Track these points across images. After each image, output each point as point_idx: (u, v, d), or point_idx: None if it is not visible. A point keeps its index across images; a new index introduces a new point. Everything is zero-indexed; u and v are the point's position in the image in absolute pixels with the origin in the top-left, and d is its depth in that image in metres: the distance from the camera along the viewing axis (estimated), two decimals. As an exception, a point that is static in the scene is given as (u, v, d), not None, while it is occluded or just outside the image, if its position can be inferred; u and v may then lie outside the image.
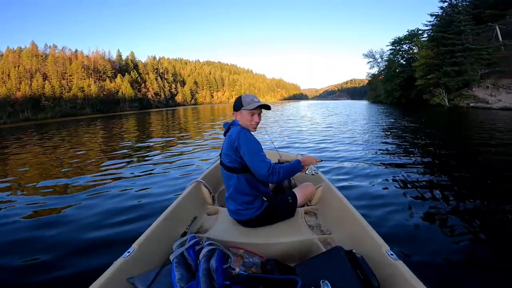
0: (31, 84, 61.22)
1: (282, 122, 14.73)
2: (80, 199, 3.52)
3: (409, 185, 3.61)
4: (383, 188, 3.51)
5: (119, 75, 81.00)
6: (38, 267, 2.05)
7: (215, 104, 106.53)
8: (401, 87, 35.09)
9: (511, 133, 8.10)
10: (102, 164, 5.72)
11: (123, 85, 79.27)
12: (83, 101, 68.13)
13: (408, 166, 4.54)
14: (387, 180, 3.85)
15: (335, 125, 11.71)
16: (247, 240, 1.60)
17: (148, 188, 3.83)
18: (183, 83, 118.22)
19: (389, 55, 41.16)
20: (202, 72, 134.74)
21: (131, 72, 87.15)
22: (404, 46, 38.07)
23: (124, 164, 5.65)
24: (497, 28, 26.26)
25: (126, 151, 7.53)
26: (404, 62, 37.60)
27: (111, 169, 5.22)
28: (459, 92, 24.79)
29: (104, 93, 73.91)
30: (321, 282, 1.11)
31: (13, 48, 68.33)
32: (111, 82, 78.18)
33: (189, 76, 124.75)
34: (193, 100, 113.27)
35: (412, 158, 5.18)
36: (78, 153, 7.63)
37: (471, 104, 22.78)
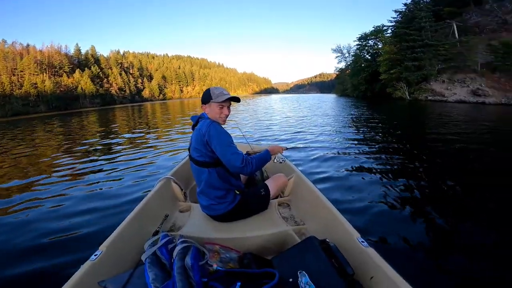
0: (-22, 82, 54.54)
1: (254, 116, 14.73)
2: (36, 201, 3.22)
3: (377, 175, 3.77)
4: (352, 177, 3.65)
5: (77, 70, 75.69)
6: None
7: (185, 99, 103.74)
8: (367, 81, 36.67)
9: (466, 125, 8.91)
10: (61, 164, 5.26)
11: (82, 81, 74.13)
12: (36, 98, 62.32)
13: (375, 157, 4.74)
14: (356, 170, 4.01)
15: (306, 119, 11.95)
16: (222, 235, 1.58)
17: (114, 188, 3.59)
18: (150, 77, 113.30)
19: (355, 50, 42.59)
20: (170, 66, 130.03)
21: (92, 67, 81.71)
22: (369, 41, 39.61)
23: (86, 163, 5.25)
24: (454, 25, 28.51)
25: (87, 148, 7.00)
26: (369, 57, 39.18)
27: (71, 169, 4.83)
28: (419, 86, 26.66)
29: (61, 89, 68.41)
30: (298, 273, 1.13)
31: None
32: (68, 77, 72.69)
33: (156, 70, 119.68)
34: (161, 95, 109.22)
35: (379, 150, 5.44)
36: (33, 153, 6.92)
37: (429, 98, 24.63)
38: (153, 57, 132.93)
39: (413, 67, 27.01)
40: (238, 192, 1.72)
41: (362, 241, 1.23)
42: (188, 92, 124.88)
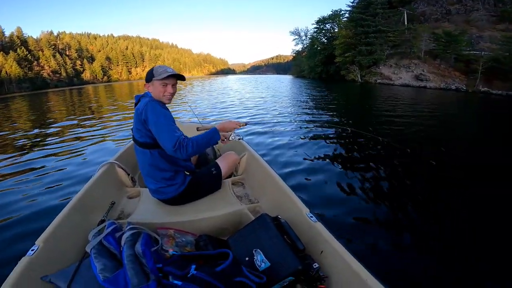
0: None
1: (210, 96, 14.38)
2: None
3: (330, 154, 3.96)
4: (307, 156, 3.80)
5: (0, 53, 65.30)
6: None
7: (134, 80, 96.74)
8: (322, 63, 37.99)
9: (414, 107, 9.87)
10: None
11: (7, 64, 64.32)
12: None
13: (331, 138, 4.92)
14: (311, 149, 4.16)
15: (265, 99, 11.93)
16: (175, 219, 1.52)
17: (51, 179, 3.22)
18: (91, 59, 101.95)
19: (313, 33, 43.33)
20: (116, 47, 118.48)
21: (18, 49, 71.09)
22: (327, 25, 40.44)
23: (16, 152, 4.65)
24: (405, 13, 30.54)
25: (16, 137, 6.11)
26: (325, 41, 40.22)
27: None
28: (369, 69, 28.59)
29: (-19, 74, 58.40)
30: (253, 251, 1.16)
31: None
32: (-10, 61, 62.38)
33: (99, 51, 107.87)
34: (105, 77, 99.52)
35: (335, 130, 5.63)
36: None
37: (378, 81, 26.66)
38: (95, 38, 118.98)
39: (365, 51, 28.59)
40: (188, 173, 1.65)
41: (311, 216, 1.27)
42: (137, 73, 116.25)
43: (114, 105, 12.65)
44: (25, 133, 6.76)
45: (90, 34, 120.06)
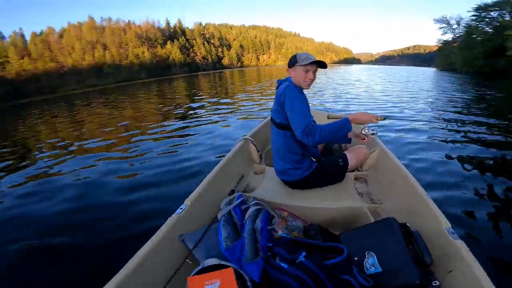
0: (94, 54, 65.87)
1: (334, 85, 13.96)
2: (133, 159, 3.79)
3: (487, 168, 3.11)
4: (455, 166, 3.12)
5: (168, 42, 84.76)
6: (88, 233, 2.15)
7: (261, 66, 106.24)
8: (485, 56, 29.94)
9: None
10: (156, 124, 6.17)
11: (173, 51, 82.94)
12: (139, 67, 72.87)
13: (492, 149, 3.75)
14: (462, 158, 3.37)
15: (399, 94, 10.33)
16: (292, 202, 1.56)
17: (199, 146, 4.04)
18: (229, 47, 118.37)
19: (469, 21, 35.04)
20: (247, 36, 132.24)
21: (179, 38, 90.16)
22: (491, 13, 31.72)
23: (176, 124, 6.08)
24: None
25: (178, 110, 8.16)
26: (490, 30, 31.76)
27: (163, 126, 5.69)
28: None
29: (157, 59, 78.16)
30: (366, 253, 1.09)
31: (74, 23, 73.18)
32: (162, 48, 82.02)
33: (234, 40, 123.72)
34: (239, 63, 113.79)
35: (497, 138, 4.35)
36: (136, 114, 8.37)
37: None
38: (231, 28, 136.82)
39: None
40: (314, 160, 1.68)
41: (452, 232, 1.07)
42: (264, 60, 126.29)
43: (247, 88, 14.53)
44: (184, 107, 8.84)
45: (227, 24, 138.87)
